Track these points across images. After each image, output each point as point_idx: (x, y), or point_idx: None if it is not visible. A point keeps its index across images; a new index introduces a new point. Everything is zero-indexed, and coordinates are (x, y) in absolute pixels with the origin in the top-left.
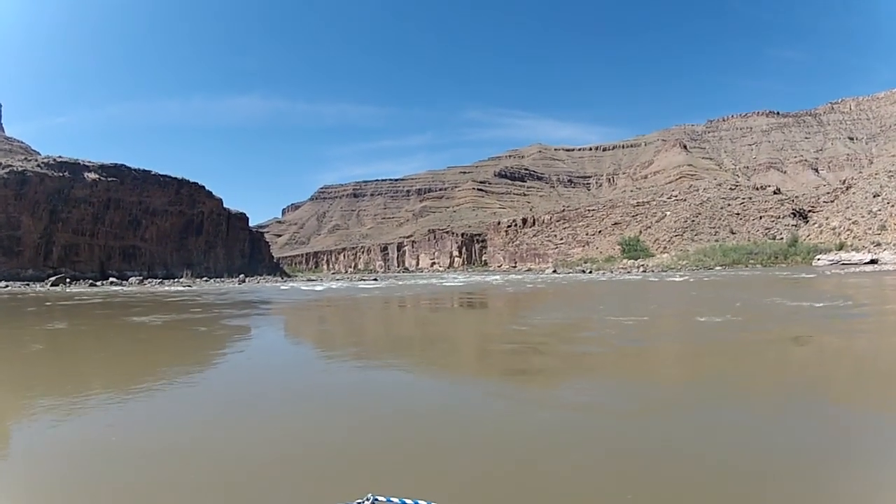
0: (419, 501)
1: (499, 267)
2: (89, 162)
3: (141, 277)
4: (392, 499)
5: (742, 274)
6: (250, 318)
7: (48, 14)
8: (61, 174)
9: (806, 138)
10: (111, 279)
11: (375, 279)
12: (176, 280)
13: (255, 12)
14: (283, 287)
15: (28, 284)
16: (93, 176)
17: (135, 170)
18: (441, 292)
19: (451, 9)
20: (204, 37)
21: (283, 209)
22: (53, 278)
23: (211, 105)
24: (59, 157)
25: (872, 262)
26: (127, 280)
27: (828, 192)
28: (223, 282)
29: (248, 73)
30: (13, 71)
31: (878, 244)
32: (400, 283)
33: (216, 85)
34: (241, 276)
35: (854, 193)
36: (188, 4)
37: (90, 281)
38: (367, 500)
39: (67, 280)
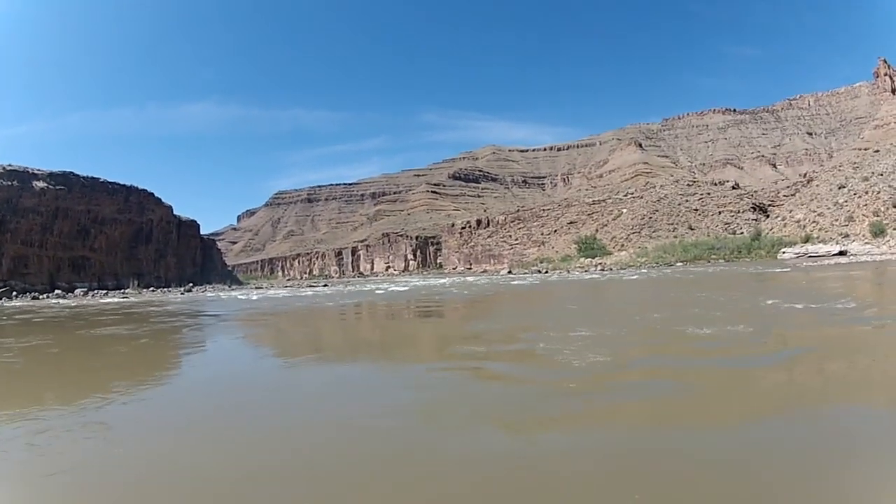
0: None
1: (454, 269)
2: (38, 170)
3: (85, 289)
4: None
5: (708, 270)
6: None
7: (2, 24)
8: (10, 183)
9: (763, 134)
10: (57, 291)
11: (326, 285)
12: (122, 291)
13: (211, 20)
14: (222, 296)
15: None
16: (41, 184)
17: (83, 177)
18: (374, 302)
19: (404, 13)
20: (160, 45)
21: (239, 216)
22: None
23: (166, 113)
24: (9, 165)
25: (841, 253)
26: (73, 292)
27: (788, 187)
28: (169, 292)
29: (203, 80)
30: None
31: (846, 235)
32: (346, 289)
33: (171, 93)
34: (190, 284)
35: (818, 186)
36: (145, 13)
37: (33, 294)
38: None
39: (14, 294)
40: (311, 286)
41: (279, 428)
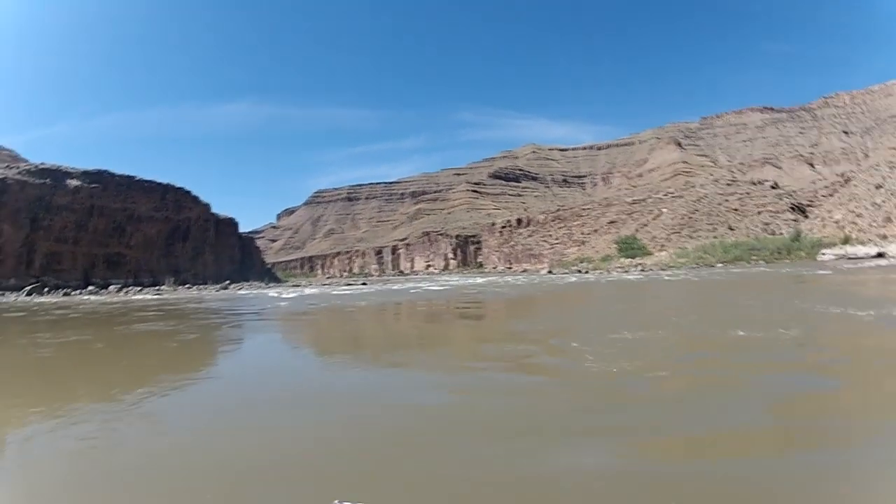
0: None
1: (494, 268)
2: (72, 168)
3: (119, 286)
4: None
5: (749, 271)
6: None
7: (38, 24)
8: (43, 181)
9: (801, 133)
10: (90, 287)
11: (364, 283)
12: (158, 288)
13: (245, 19)
14: (255, 294)
15: (2, 294)
16: (75, 183)
17: (118, 176)
18: (413, 299)
19: (443, 11)
20: (194, 45)
21: (278, 214)
22: (28, 288)
23: (202, 113)
24: (42, 164)
25: (879, 255)
26: (106, 289)
27: (825, 186)
28: (205, 289)
29: (238, 80)
30: (5, 82)
31: (885, 237)
32: (384, 287)
33: (207, 93)
34: (227, 282)
35: (856, 186)
36: (177, 13)
37: (65, 290)
38: None
39: (46, 289)
40: (348, 284)
41: (314, 422)
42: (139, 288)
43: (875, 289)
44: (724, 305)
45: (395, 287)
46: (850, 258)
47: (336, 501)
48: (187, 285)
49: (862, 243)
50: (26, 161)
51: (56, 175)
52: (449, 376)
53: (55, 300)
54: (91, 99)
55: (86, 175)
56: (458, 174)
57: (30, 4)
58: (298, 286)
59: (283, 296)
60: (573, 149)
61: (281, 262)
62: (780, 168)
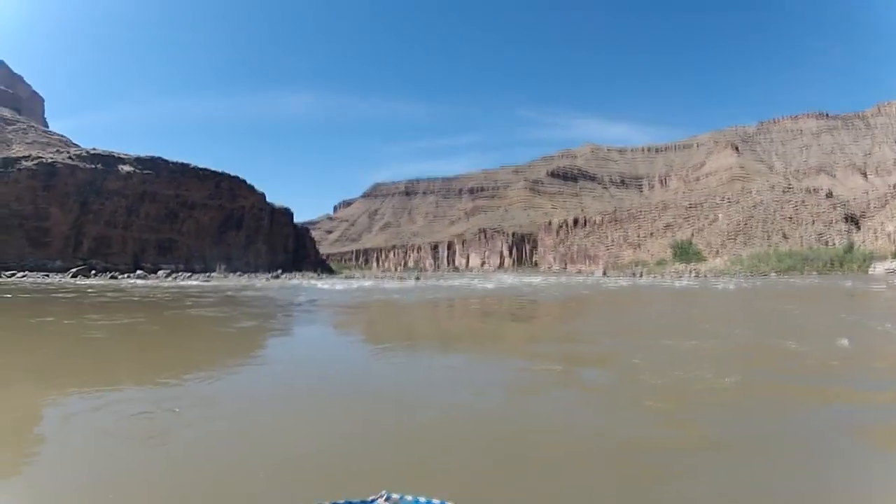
0: (433, 500)
1: (549, 268)
2: (124, 154)
3: (169, 271)
4: (406, 496)
5: (804, 282)
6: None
7: (93, 12)
8: (94, 166)
9: (854, 142)
10: (139, 272)
11: (418, 278)
12: (208, 275)
13: (306, 11)
14: (304, 284)
15: (47, 276)
16: (127, 168)
17: (172, 163)
18: (465, 297)
19: (507, 9)
20: (259, 35)
21: (335, 206)
22: (73, 270)
23: (268, 103)
24: (93, 149)
25: None
26: (156, 273)
27: (878, 198)
28: (256, 277)
29: (300, 69)
30: (59, 68)
31: None
32: (437, 283)
33: (272, 83)
34: (279, 271)
35: None
36: (243, 3)
37: (112, 274)
38: (381, 496)
39: (94, 272)
40: (401, 278)
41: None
42: (189, 274)
43: None
44: (788, 321)
45: (446, 283)
46: None
47: (384, 491)
48: (238, 273)
49: None
50: (78, 146)
51: (108, 160)
52: (490, 378)
53: (99, 283)
54: (145, 85)
55: (139, 161)
56: (516, 172)
57: None
58: (351, 278)
59: (335, 288)
60: (631, 149)
61: (336, 254)
62: (834, 177)
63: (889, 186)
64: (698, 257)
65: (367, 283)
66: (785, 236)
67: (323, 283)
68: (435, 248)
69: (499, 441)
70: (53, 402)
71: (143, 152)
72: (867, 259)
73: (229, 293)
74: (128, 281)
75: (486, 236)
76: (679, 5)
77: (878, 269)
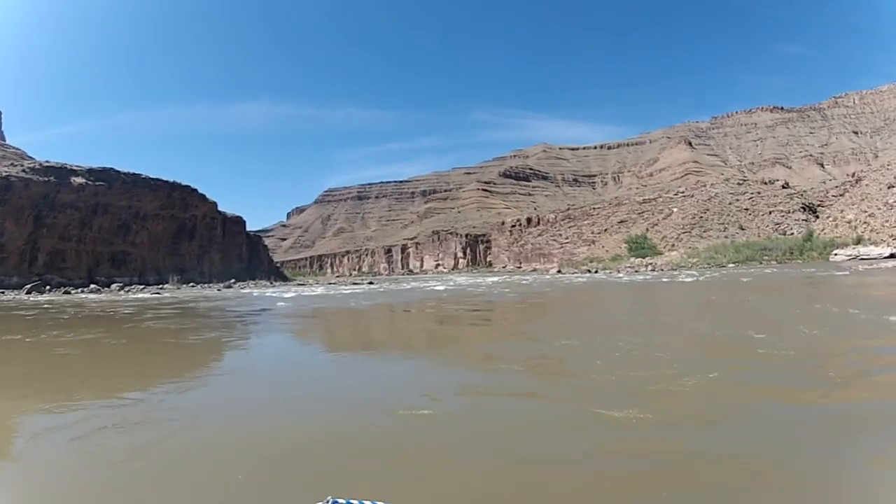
0: (377, 503)
1: (503, 267)
2: (77, 166)
3: (122, 284)
4: (351, 500)
5: (763, 272)
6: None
7: (51, 23)
8: (47, 179)
9: (811, 133)
10: (92, 286)
11: (371, 282)
12: (161, 286)
13: (261, 19)
14: (256, 293)
15: (3, 292)
16: (80, 180)
17: (124, 173)
18: (416, 301)
19: (457, 11)
20: (210, 44)
21: (289, 213)
22: (29, 286)
23: (217, 112)
24: (46, 161)
25: (892, 255)
26: (109, 287)
27: (836, 187)
28: (209, 287)
29: (253, 79)
30: (18, 80)
31: None
32: (390, 287)
33: (222, 92)
34: (232, 281)
35: (867, 185)
36: (193, 12)
37: (65, 289)
38: (327, 502)
39: (48, 287)
40: (354, 283)
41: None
42: (142, 287)
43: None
44: (754, 312)
45: (400, 287)
46: (862, 258)
47: (329, 497)
48: (191, 284)
49: (875, 243)
50: (33, 159)
51: (61, 173)
52: (434, 390)
53: (55, 298)
54: (105, 97)
55: (91, 173)
56: (469, 173)
57: (38, 4)
58: (303, 285)
59: (283, 296)
60: (584, 148)
61: (290, 261)
62: (790, 168)
63: (848, 175)
64: (654, 251)
65: (319, 290)
66: (741, 227)
67: (273, 291)
68: (389, 251)
69: (446, 448)
70: (23, 419)
71: (101, 164)
72: (827, 247)
73: (177, 306)
74: (80, 296)
75: (439, 238)
76: (628, 7)
77: (840, 255)
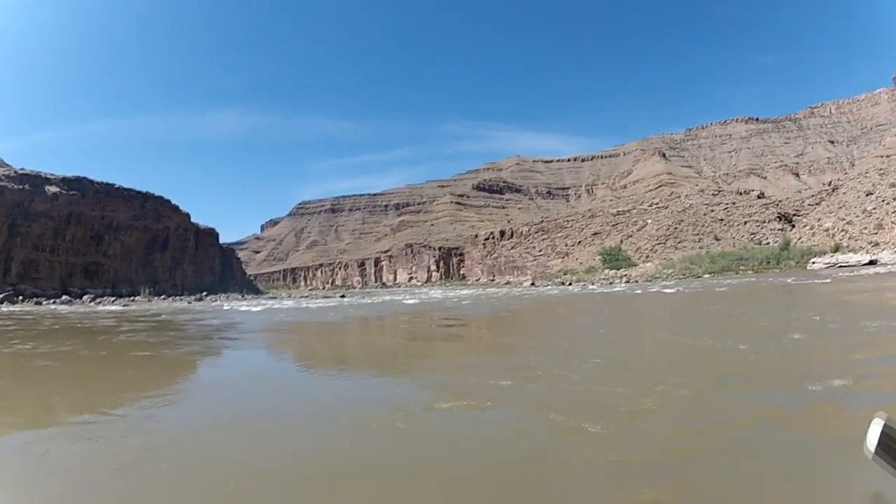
0: None
1: (477, 280)
2: (51, 175)
3: (93, 296)
4: None
5: (740, 281)
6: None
7: (28, 30)
8: (21, 187)
9: (786, 143)
10: (64, 297)
11: (343, 296)
12: (132, 298)
13: (236, 28)
14: (226, 307)
15: None
16: (54, 189)
17: (97, 183)
18: (385, 315)
19: (430, 23)
20: (186, 52)
21: (262, 225)
22: (1, 296)
23: (192, 122)
24: (21, 169)
25: (871, 262)
26: (81, 298)
27: (812, 196)
28: (180, 300)
29: (224, 89)
30: None
31: (876, 244)
32: (361, 300)
33: (197, 101)
34: (204, 293)
35: (845, 193)
36: (172, 21)
37: (37, 300)
38: None
39: (21, 298)
40: (325, 297)
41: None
42: (113, 298)
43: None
44: (739, 323)
45: (370, 301)
46: (841, 266)
47: None
48: (163, 296)
49: (853, 251)
50: (9, 166)
51: (35, 181)
52: (381, 423)
53: (21, 308)
54: (79, 106)
55: (65, 182)
56: (443, 186)
57: (16, 11)
58: (275, 298)
59: (251, 309)
60: (557, 160)
61: (264, 274)
62: (764, 178)
63: (824, 184)
64: (628, 263)
65: (289, 303)
66: (716, 238)
67: (243, 305)
68: (362, 264)
69: (407, 462)
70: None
71: (77, 173)
72: (805, 255)
73: (141, 318)
74: (49, 307)
75: (412, 251)
76: (602, 20)
77: (818, 263)
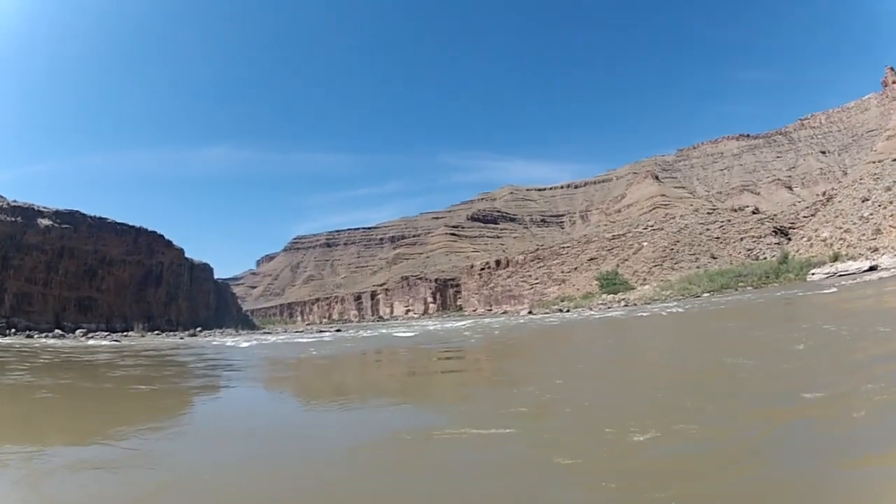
0: None
1: (474, 311)
2: (44, 207)
3: (85, 330)
4: None
5: (741, 298)
6: None
7: (24, 60)
8: (14, 219)
9: (778, 157)
10: (57, 331)
11: (339, 330)
12: (125, 334)
13: (229, 62)
14: (215, 342)
15: None
16: (46, 222)
17: (90, 217)
18: (378, 350)
19: (422, 56)
20: (180, 86)
21: (258, 260)
22: None
23: (185, 156)
24: (14, 201)
25: (872, 269)
26: (73, 333)
27: (807, 207)
28: (174, 335)
29: (220, 124)
30: None
31: (876, 249)
32: (356, 334)
33: (190, 136)
34: (198, 328)
35: (840, 202)
36: (165, 54)
37: (28, 333)
38: None
39: (13, 331)
40: (320, 331)
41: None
42: (106, 333)
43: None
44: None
45: (364, 334)
46: (841, 275)
47: None
48: (156, 332)
49: (853, 258)
50: (2, 198)
51: (28, 213)
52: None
53: (12, 342)
54: (72, 139)
55: (57, 215)
56: (437, 218)
57: (8, 44)
58: (269, 333)
59: (239, 345)
60: (550, 188)
61: (261, 309)
62: (758, 194)
63: (818, 195)
64: (626, 286)
65: (281, 338)
66: (713, 256)
67: (238, 340)
68: (358, 298)
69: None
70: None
71: (69, 206)
72: (804, 267)
73: (128, 354)
74: (41, 340)
75: (408, 284)
76: (588, 47)
77: (818, 274)
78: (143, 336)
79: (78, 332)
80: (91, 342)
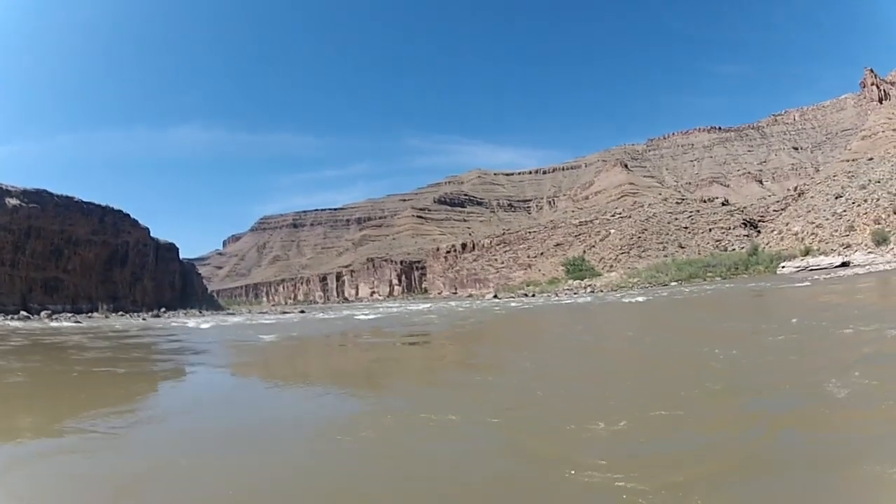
0: None
1: (439, 294)
2: (11, 187)
3: (50, 312)
4: None
5: (709, 288)
6: None
7: None
8: None
9: (749, 151)
10: (22, 313)
11: (303, 311)
12: (89, 315)
13: (198, 43)
14: (173, 324)
15: None
16: (14, 202)
17: (57, 196)
18: (333, 330)
19: (388, 38)
20: (149, 67)
21: (225, 241)
22: None
23: (154, 136)
24: None
25: (844, 264)
26: (38, 315)
27: (777, 201)
28: (138, 316)
29: (189, 103)
30: None
31: (849, 245)
32: (318, 315)
33: (159, 116)
34: (162, 310)
35: (813, 197)
36: (135, 35)
37: None
38: None
39: None
40: (284, 312)
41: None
42: (70, 315)
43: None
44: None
45: (326, 316)
46: (812, 269)
47: None
48: (120, 312)
49: (825, 254)
50: None
51: None
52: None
53: None
54: (42, 120)
55: (25, 194)
56: (404, 200)
57: None
58: (234, 314)
59: (200, 327)
60: (518, 173)
61: (227, 290)
62: (727, 186)
63: (789, 189)
64: (592, 273)
65: (238, 319)
66: (681, 246)
67: (196, 322)
68: (324, 279)
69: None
70: None
71: (37, 186)
72: (774, 260)
73: (91, 335)
74: (8, 323)
75: (374, 265)
76: (561, 36)
77: (788, 267)
78: (107, 317)
79: (43, 313)
80: (54, 324)
